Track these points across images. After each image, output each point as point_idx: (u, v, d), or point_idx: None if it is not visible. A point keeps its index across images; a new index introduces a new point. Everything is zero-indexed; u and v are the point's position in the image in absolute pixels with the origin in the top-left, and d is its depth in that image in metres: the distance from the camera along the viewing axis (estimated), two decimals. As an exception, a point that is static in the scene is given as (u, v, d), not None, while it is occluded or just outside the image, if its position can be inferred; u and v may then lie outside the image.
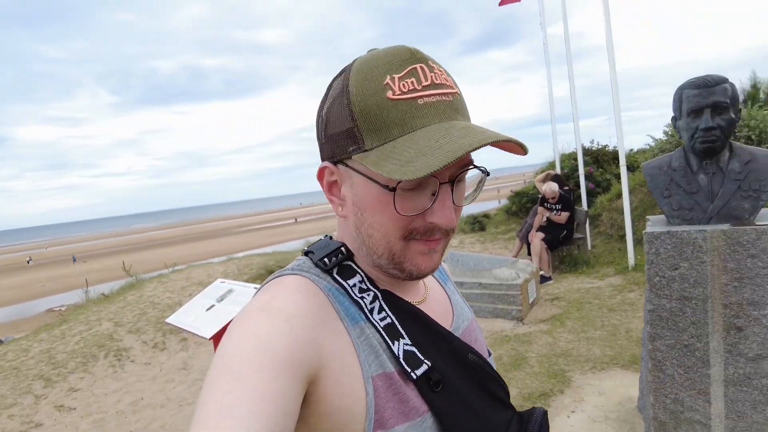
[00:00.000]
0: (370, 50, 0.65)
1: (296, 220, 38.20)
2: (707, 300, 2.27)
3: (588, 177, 8.77)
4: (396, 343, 0.62)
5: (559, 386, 3.32)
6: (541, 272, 6.10)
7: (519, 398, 3.22)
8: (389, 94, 0.57)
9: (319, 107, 0.66)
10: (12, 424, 3.82)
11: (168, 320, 2.84)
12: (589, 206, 8.26)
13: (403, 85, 0.57)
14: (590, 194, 8.62)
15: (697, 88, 2.29)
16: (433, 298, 0.77)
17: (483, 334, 0.83)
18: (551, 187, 6.34)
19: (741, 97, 13.25)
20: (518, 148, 0.58)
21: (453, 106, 0.59)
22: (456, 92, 0.61)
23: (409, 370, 0.60)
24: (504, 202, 12.30)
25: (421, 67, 0.59)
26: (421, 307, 0.71)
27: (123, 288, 7.44)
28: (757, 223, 2.18)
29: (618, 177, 7.32)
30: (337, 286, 0.65)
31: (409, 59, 0.59)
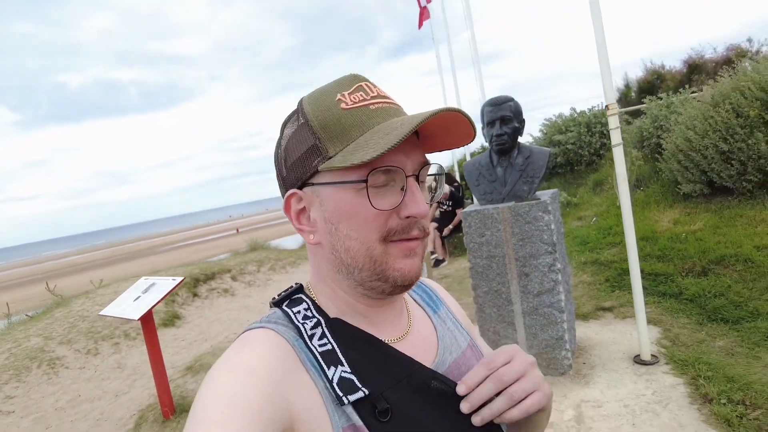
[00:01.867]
0: None
1: (238, 230, 32.67)
2: (505, 257, 3.20)
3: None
4: (332, 368, 0.60)
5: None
6: (436, 256, 7.10)
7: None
8: (343, 105, 0.61)
9: (276, 149, 0.69)
10: (-48, 432, 4.14)
11: (101, 312, 3.38)
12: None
13: (354, 97, 0.62)
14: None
15: (491, 105, 3.22)
16: (416, 332, 0.74)
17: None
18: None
19: (616, 96, 15.18)
20: (467, 129, 0.63)
21: (400, 111, 0.64)
22: (399, 105, 0.66)
23: (341, 394, 0.58)
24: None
25: (365, 84, 0.64)
26: (400, 344, 0.69)
27: (49, 307, 7.54)
28: (530, 200, 3.12)
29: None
30: (297, 336, 0.63)
31: (353, 80, 0.65)
